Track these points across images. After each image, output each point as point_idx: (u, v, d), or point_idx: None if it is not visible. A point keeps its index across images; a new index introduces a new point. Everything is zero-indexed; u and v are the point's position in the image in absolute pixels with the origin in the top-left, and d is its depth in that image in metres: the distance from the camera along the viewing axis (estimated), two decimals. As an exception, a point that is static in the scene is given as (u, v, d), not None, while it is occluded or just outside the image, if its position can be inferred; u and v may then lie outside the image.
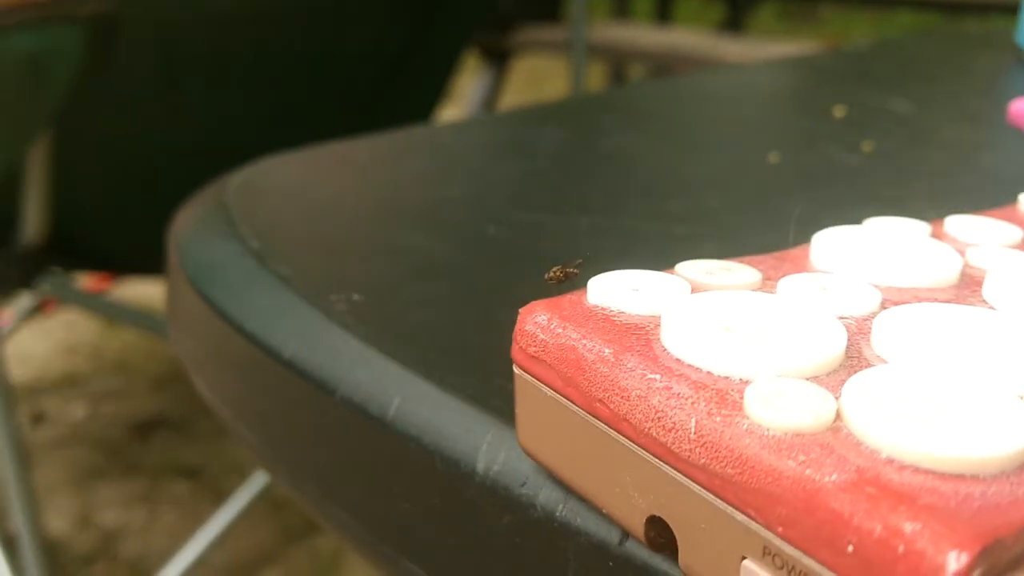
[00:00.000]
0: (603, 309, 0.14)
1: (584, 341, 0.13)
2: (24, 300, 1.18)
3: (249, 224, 0.26)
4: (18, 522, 0.78)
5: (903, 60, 0.56)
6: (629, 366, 0.13)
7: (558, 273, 0.19)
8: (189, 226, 0.27)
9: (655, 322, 0.14)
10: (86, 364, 1.29)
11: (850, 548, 0.10)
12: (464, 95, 1.88)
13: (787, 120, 0.42)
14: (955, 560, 0.09)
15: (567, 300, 0.14)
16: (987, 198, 0.24)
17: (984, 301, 0.15)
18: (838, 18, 4.46)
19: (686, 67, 1.52)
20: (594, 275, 0.15)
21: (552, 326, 0.14)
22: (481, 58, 1.77)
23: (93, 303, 1.04)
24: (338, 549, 0.94)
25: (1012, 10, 1.17)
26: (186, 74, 0.79)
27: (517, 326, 0.14)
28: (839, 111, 0.40)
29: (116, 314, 1.06)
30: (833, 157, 0.34)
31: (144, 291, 1.31)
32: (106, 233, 0.89)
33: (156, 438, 1.12)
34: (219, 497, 0.97)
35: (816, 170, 0.32)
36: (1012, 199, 0.21)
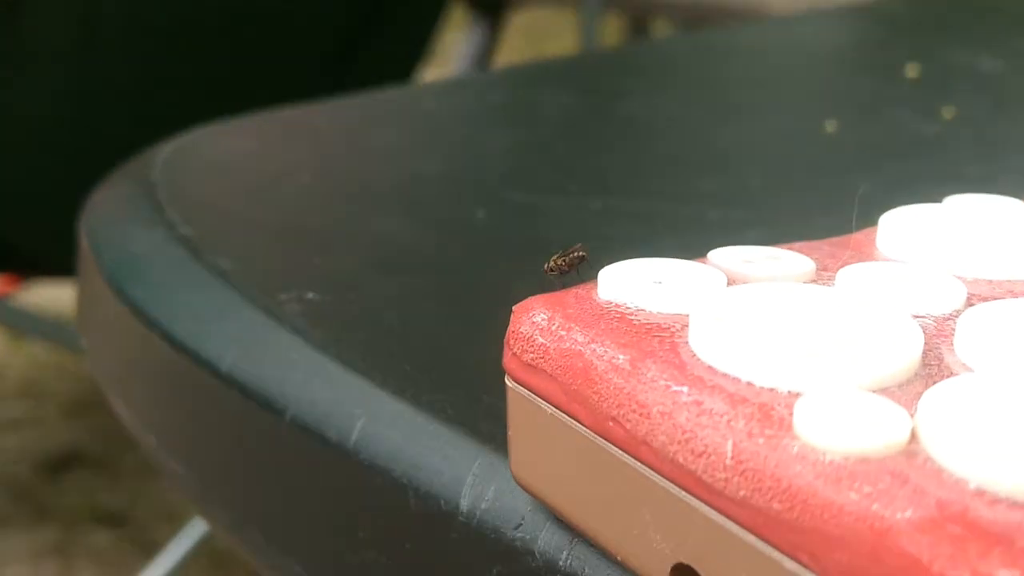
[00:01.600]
0: (617, 306, 0.14)
1: (593, 346, 0.13)
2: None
3: (179, 207, 0.26)
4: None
5: (990, 8, 0.56)
6: (650, 376, 0.12)
7: (559, 262, 0.19)
8: (105, 210, 0.27)
9: (682, 322, 0.13)
10: (-15, 386, 1.29)
11: (929, 603, 0.10)
12: (451, 55, 1.89)
13: (847, 81, 0.42)
14: (1061, 617, 0.09)
15: (572, 295, 0.14)
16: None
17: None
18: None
19: (723, 21, 1.52)
20: (608, 265, 0.15)
21: (554, 327, 0.14)
22: (471, 9, 1.77)
23: (-7, 311, 1.04)
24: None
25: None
26: (105, 30, 0.79)
27: (510, 328, 0.14)
28: (912, 70, 0.40)
29: (22, 324, 1.06)
30: (905, 126, 0.34)
31: (57, 296, 1.31)
32: (10, 223, 0.89)
33: (71, 477, 1.12)
34: (147, 549, 0.97)
35: (884, 142, 0.32)
36: None
